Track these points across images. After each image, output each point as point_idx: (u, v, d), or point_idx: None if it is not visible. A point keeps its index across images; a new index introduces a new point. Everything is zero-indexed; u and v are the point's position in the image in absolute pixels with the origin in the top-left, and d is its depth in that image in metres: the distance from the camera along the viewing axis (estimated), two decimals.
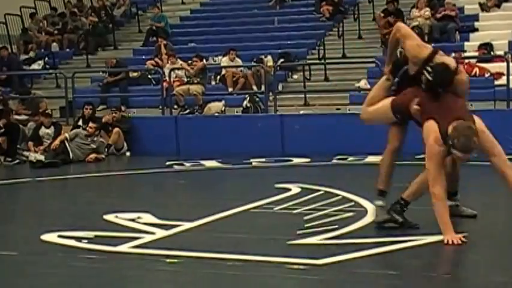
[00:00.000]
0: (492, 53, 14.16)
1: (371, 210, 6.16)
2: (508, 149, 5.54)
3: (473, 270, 4.41)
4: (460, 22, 15.57)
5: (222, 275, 4.52)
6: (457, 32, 15.34)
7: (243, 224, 6.08)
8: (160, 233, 5.61)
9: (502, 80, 12.51)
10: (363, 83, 14.01)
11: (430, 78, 5.15)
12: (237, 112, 13.86)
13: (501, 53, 13.72)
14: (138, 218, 6.20)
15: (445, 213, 4.97)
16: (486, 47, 14.33)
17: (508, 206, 6.40)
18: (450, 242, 4.83)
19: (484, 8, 15.93)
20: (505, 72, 11.78)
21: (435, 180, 5.03)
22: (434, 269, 4.40)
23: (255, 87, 14.62)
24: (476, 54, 14.25)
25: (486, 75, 13.58)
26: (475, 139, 4.95)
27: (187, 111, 13.83)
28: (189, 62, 14.68)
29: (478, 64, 13.82)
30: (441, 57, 5.29)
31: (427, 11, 15.59)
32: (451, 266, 4.47)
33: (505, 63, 11.80)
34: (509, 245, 5.11)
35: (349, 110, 13.24)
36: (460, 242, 4.83)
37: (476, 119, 5.16)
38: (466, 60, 13.81)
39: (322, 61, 15.55)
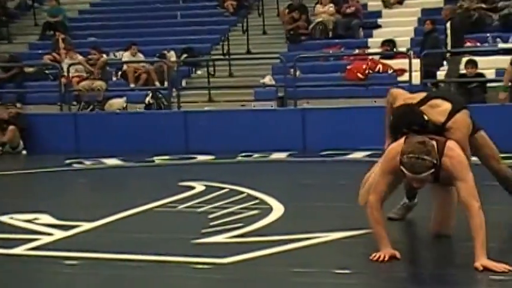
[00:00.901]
0: (395, 49, 14.43)
1: (276, 208, 6.14)
2: None
3: (377, 265, 4.39)
4: (363, 19, 15.81)
5: (125, 276, 4.42)
6: (361, 29, 15.57)
7: (146, 223, 5.95)
8: (58, 234, 5.46)
9: (405, 77, 12.74)
10: (268, 79, 14.03)
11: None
12: (139, 109, 13.62)
13: (403, 49, 14.00)
14: (35, 219, 6.02)
15: (375, 226, 4.49)
16: (389, 43, 14.60)
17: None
18: (377, 257, 4.43)
19: (386, 4, 16.23)
20: (408, 68, 11.97)
21: (374, 189, 4.55)
22: (339, 265, 4.37)
23: (157, 83, 14.40)
24: (379, 50, 14.50)
25: (389, 71, 13.84)
26: (426, 158, 4.25)
27: (90, 107, 13.50)
28: (89, 57, 14.33)
29: (381, 60, 14.06)
30: (433, 104, 4.80)
31: (331, 7, 15.74)
32: (355, 262, 4.45)
33: (407, 60, 12.00)
34: (414, 241, 5.16)
35: (254, 106, 13.22)
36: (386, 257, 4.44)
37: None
38: (370, 57, 14.04)
39: (227, 57, 15.49)
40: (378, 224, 4.46)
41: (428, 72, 12.22)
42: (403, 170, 4.28)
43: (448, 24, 12.50)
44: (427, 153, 4.26)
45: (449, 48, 12.31)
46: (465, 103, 5.07)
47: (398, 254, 4.42)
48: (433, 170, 4.28)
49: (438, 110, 4.68)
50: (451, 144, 4.46)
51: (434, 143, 4.38)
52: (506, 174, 5.28)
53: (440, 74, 12.83)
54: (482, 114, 9.66)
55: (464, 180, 4.31)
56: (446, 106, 4.71)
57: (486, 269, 4.07)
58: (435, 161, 4.29)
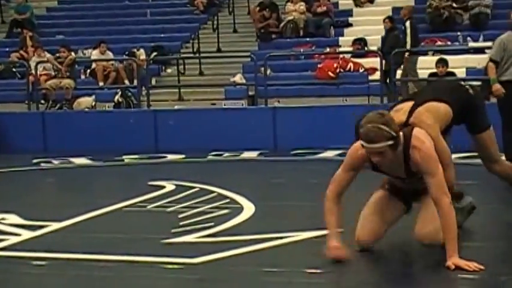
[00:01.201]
0: (366, 48, 14.48)
1: (246, 207, 6.10)
2: None
3: (348, 265, 4.38)
4: (334, 17, 15.84)
5: (93, 276, 4.34)
6: (332, 27, 15.60)
7: (115, 223, 5.88)
8: (26, 234, 5.38)
9: (376, 75, 12.80)
10: (238, 78, 14.00)
11: None
12: (108, 107, 13.52)
13: (374, 48, 14.04)
14: (3, 219, 5.93)
15: (326, 215, 4.43)
16: (360, 42, 14.65)
17: None
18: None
19: (357, 3, 16.30)
20: (379, 67, 12.01)
21: (333, 180, 4.46)
22: (310, 264, 4.34)
23: (127, 82, 14.31)
24: (350, 49, 14.54)
25: (360, 70, 13.89)
26: (383, 128, 4.08)
27: (58, 106, 13.36)
28: (57, 55, 14.17)
29: (353, 59, 14.12)
30: (398, 108, 4.66)
31: (302, 6, 15.75)
32: (327, 261, 4.39)
33: (378, 59, 12.04)
34: (388, 240, 5.14)
35: (224, 105, 13.18)
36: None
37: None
38: (341, 56, 14.07)
39: (197, 55, 15.42)
40: (329, 214, 4.39)
41: (389, 71, 12.25)
42: (361, 143, 4.16)
43: (408, 24, 12.55)
44: (384, 123, 4.11)
45: (408, 47, 12.33)
46: (446, 96, 4.71)
47: (342, 250, 4.31)
48: (391, 142, 4.11)
49: (401, 111, 4.55)
50: (417, 132, 4.28)
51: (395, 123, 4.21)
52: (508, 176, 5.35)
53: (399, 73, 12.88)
54: None
55: (434, 174, 4.16)
56: (408, 105, 4.59)
57: (458, 267, 4.03)
58: (393, 133, 4.11)
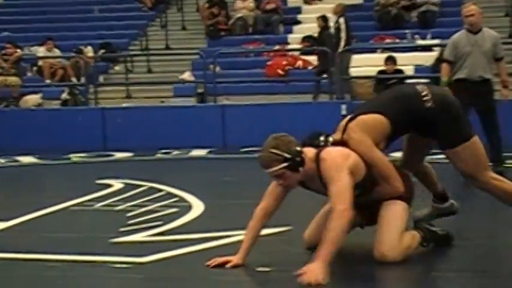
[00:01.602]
0: (315, 46, 14.53)
1: (195, 205, 6.08)
2: None
3: (298, 262, 4.28)
4: (283, 14, 15.89)
5: (40, 277, 4.28)
6: (281, 25, 15.64)
7: (62, 222, 5.81)
8: None
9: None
10: (187, 75, 13.95)
11: None
12: (55, 105, 13.35)
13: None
14: None
15: (246, 231, 4.38)
16: (309, 39, 14.71)
17: None
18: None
19: (306, 0, 16.38)
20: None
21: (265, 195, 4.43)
22: (259, 263, 4.33)
23: (74, 79, 14.12)
24: (299, 46, 14.59)
25: (309, 67, 13.95)
26: (273, 151, 4.08)
27: (4, 104, 13.13)
28: (3, 51, 13.92)
29: (302, 57, 14.17)
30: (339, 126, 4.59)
31: (251, 3, 15.76)
32: (276, 259, 4.43)
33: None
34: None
35: (173, 103, 13.11)
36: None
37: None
38: (290, 53, 14.11)
39: (145, 52, 15.31)
40: (249, 231, 4.34)
41: (323, 70, 12.35)
42: None
43: (342, 20, 12.64)
44: (275, 147, 4.09)
45: (343, 43, 12.41)
46: (384, 106, 4.43)
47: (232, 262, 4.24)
48: (285, 164, 4.05)
49: (339, 129, 4.47)
50: (329, 148, 4.26)
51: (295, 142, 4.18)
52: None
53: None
54: None
55: (333, 182, 4.02)
56: (344, 121, 4.47)
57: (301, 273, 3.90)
58: (286, 155, 4.05)
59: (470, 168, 4.41)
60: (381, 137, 4.37)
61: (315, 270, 3.84)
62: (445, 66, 7.95)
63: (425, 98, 4.32)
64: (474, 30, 7.76)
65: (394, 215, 4.26)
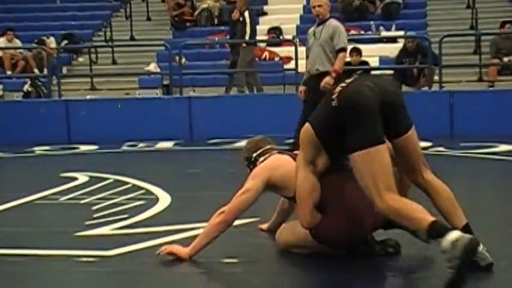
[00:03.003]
0: (281, 37, 14.52)
1: (162, 198, 6.03)
2: None
3: (265, 254, 4.38)
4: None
5: (3, 271, 4.21)
6: None
7: (26, 216, 5.71)
8: None
9: (291, 64, 12.87)
10: (153, 67, 13.86)
11: None
12: (17, 97, 13.15)
13: (289, 37, 14.11)
14: None
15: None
16: (275, 31, 14.69)
17: None
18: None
19: None
20: (294, 56, 12.06)
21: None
22: (226, 254, 4.32)
23: (36, 71, 13.92)
24: (266, 38, 14.55)
25: (276, 59, 13.93)
26: (243, 154, 4.56)
27: None
28: None
29: (268, 48, 14.14)
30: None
31: None
32: (243, 251, 4.40)
33: (293, 48, 12.07)
34: None
35: (138, 94, 13.00)
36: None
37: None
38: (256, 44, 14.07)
39: (109, 43, 15.14)
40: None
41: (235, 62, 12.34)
42: None
43: (247, 14, 12.63)
44: (245, 150, 4.60)
45: (247, 38, 12.37)
46: (312, 114, 4.05)
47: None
48: (246, 163, 4.54)
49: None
50: (273, 156, 4.40)
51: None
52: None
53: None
54: None
55: (243, 186, 4.23)
56: None
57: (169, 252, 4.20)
58: (247, 155, 4.54)
59: (366, 184, 3.74)
60: (312, 150, 3.96)
61: (180, 249, 4.21)
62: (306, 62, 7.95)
63: (333, 96, 3.83)
64: (319, 22, 7.76)
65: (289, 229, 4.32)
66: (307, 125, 3.98)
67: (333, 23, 7.84)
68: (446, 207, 3.91)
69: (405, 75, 12.12)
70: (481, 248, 3.74)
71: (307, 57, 7.88)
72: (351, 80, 3.90)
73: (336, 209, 3.98)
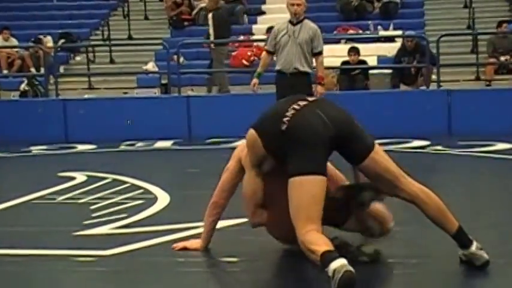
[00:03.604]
0: None
1: (161, 197, 6.02)
2: None
3: (264, 253, 4.38)
4: (247, 5, 15.83)
5: (2, 272, 4.21)
6: (245, 15, 15.58)
7: (24, 216, 5.70)
8: None
9: None
10: (151, 66, 13.85)
11: None
12: (13, 96, 13.13)
13: None
14: None
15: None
16: None
17: None
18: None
19: None
20: None
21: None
22: (225, 253, 4.33)
23: (33, 70, 13.89)
24: (264, 37, 14.53)
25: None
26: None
27: None
28: None
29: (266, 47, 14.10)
30: None
31: None
32: (242, 250, 4.41)
33: None
34: None
35: (136, 94, 12.99)
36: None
37: None
38: (255, 44, 14.07)
39: (107, 42, 15.12)
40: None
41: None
42: None
43: (210, 15, 12.66)
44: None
45: (212, 38, 12.39)
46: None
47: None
48: None
49: None
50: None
51: None
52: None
53: None
54: (365, 101, 9.91)
55: None
56: None
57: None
58: None
59: (291, 211, 3.72)
60: (257, 155, 4.00)
61: (192, 242, 4.43)
62: (264, 57, 8.09)
63: (284, 119, 3.80)
64: (295, 21, 7.77)
65: None
66: (252, 131, 3.97)
67: (311, 24, 7.95)
68: (437, 217, 3.91)
69: (403, 74, 12.13)
70: (474, 247, 3.81)
71: (271, 53, 7.98)
72: (304, 103, 3.87)
73: (279, 208, 3.96)
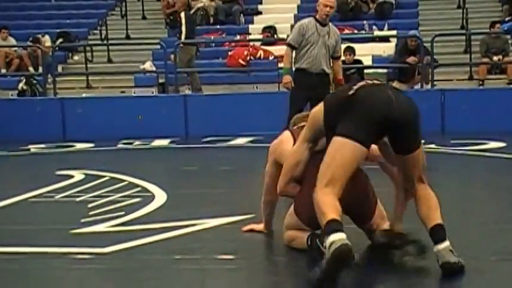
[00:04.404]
0: (276, 36, 14.57)
1: (158, 195, 6.06)
2: None
3: (260, 250, 4.47)
4: (244, 5, 15.87)
5: (0, 270, 4.23)
6: (242, 15, 15.62)
7: (22, 214, 5.72)
8: None
9: None
10: (148, 65, 13.87)
11: None
12: (12, 95, 13.14)
13: (284, 36, 14.13)
14: None
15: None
16: (270, 30, 14.76)
17: None
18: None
19: None
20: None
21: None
22: (222, 251, 4.38)
23: (31, 69, 13.92)
24: (260, 37, 14.61)
25: (270, 58, 13.98)
26: None
27: None
28: None
29: (263, 47, 14.18)
30: None
31: None
32: (238, 247, 4.45)
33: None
34: None
35: (134, 93, 13.02)
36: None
37: None
38: (251, 43, 14.12)
39: (105, 42, 15.15)
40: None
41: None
42: None
43: (183, 15, 12.68)
44: (291, 123, 4.60)
45: (183, 38, 12.40)
46: None
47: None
48: None
49: None
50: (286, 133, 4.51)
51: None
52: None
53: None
54: None
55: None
56: None
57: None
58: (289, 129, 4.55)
59: (320, 167, 3.89)
60: (314, 131, 4.07)
61: (256, 226, 4.70)
62: (288, 52, 7.76)
63: (354, 86, 3.90)
64: (325, 23, 7.75)
65: None
66: (321, 104, 3.99)
67: (335, 28, 7.97)
68: (425, 216, 3.96)
69: (402, 73, 12.23)
70: (441, 246, 3.81)
71: (294, 48, 7.68)
72: (378, 82, 3.98)
73: (312, 189, 3.92)
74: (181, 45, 12.48)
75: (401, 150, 3.90)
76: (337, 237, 3.49)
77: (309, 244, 4.05)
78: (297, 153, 4.14)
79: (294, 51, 7.76)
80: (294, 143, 4.27)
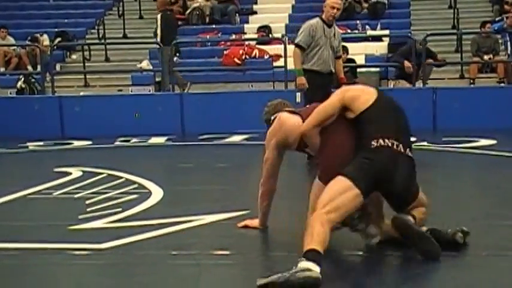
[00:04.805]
0: (270, 35, 14.65)
1: (155, 192, 6.12)
2: None
3: (255, 246, 4.51)
4: (239, 4, 15.93)
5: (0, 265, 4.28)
6: (237, 15, 15.68)
7: (20, 210, 5.78)
8: None
9: (280, 62, 12.96)
10: (145, 64, 13.94)
11: None
12: (10, 93, 13.19)
13: (279, 35, 14.24)
14: None
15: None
16: (265, 29, 14.83)
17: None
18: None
19: None
20: (283, 54, 12.19)
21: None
22: (217, 246, 4.44)
23: (30, 68, 13.98)
24: (255, 36, 14.69)
25: (265, 56, 14.06)
26: (264, 110, 4.85)
27: None
28: None
29: (258, 46, 14.26)
30: None
31: None
32: (234, 243, 4.51)
33: (282, 46, 12.22)
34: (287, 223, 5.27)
35: (131, 91, 13.09)
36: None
37: None
38: (246, 42, 14.19)
39: (103, 41, 15.22)
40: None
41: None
42: None
43: (159, 16, 12.74)
44: (265, 112, 4.79)
45: (159, 39, 12.45)
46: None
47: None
48: (267, 125, 4.71)
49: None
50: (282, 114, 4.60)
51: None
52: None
53: None
54: None
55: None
56: None
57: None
58: (266, 118, 4.74)
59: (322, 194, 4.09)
60: (348, 102, 4.30)
61: (252, 221, 4.78)
62: (299, 53, 7.70)
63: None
64: (331, 24, 7.79)
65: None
66: (369, 90, 4.29)
67: (338, 29, 8.03)
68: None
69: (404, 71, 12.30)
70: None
71: (304, 50, 7.69)
72: (402, 150, 4.22)
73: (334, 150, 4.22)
74: (157, 46, 12.48)
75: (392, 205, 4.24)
76: (314, 269, 3.62)
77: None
78: (332, 106, 4.28)
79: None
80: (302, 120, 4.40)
